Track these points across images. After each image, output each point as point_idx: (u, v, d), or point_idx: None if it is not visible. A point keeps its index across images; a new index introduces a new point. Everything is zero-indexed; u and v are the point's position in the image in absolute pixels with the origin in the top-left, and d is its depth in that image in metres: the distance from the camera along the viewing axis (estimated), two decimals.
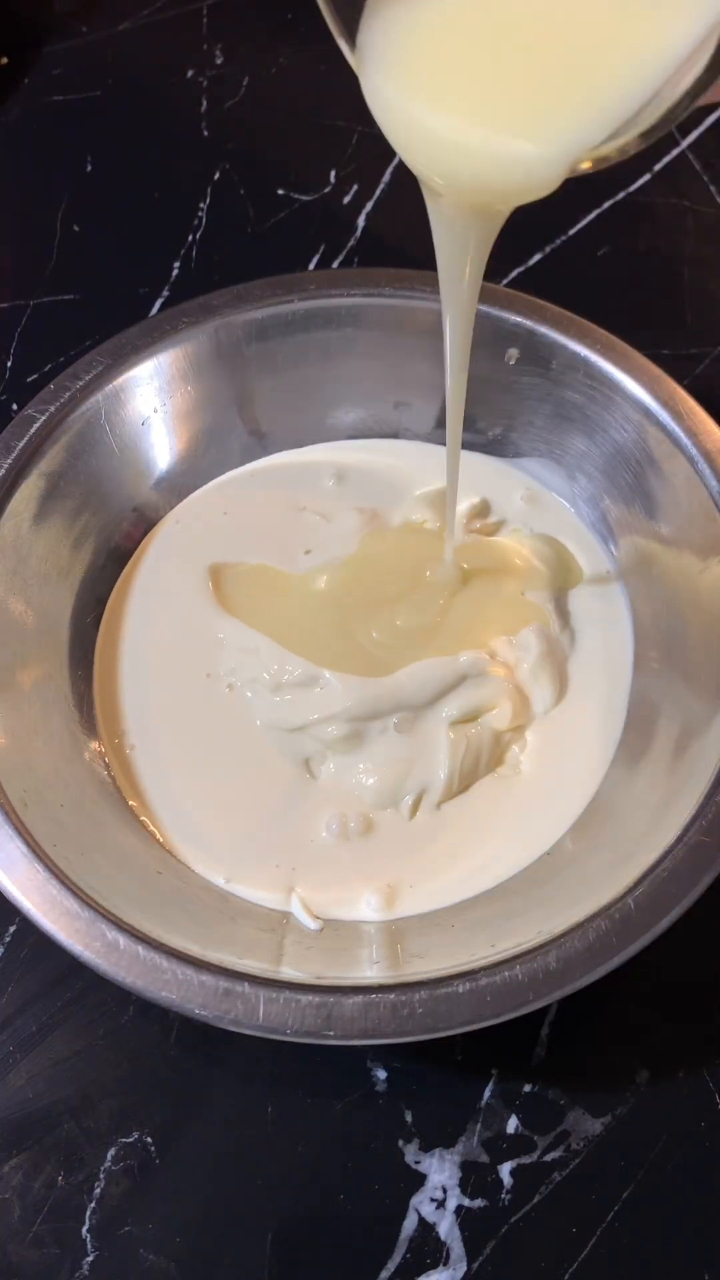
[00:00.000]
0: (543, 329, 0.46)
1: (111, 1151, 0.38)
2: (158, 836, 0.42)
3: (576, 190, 0.63)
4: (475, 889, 0.41)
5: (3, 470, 0.43)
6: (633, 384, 0.45)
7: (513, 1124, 0.39)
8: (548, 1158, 0.38)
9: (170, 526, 0.50)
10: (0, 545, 0.42)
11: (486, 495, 0.50)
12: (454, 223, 0.32)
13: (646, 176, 0.64)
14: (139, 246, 0.62)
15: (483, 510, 0.50)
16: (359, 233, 0.62)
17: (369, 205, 0.63)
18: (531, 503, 0.50)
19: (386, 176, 0.63)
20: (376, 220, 0.62)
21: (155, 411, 0.48)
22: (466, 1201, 0.37)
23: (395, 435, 0.52)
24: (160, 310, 0.59)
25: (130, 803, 0.43)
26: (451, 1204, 0.37)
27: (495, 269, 0.58)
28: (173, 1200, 0.37)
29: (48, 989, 0.41)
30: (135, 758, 0.44)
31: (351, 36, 0.27)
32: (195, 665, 0.46)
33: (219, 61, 0.69)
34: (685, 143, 0.65)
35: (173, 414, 0.49)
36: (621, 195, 0.63)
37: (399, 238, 0.61)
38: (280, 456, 0.52)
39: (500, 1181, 0.38)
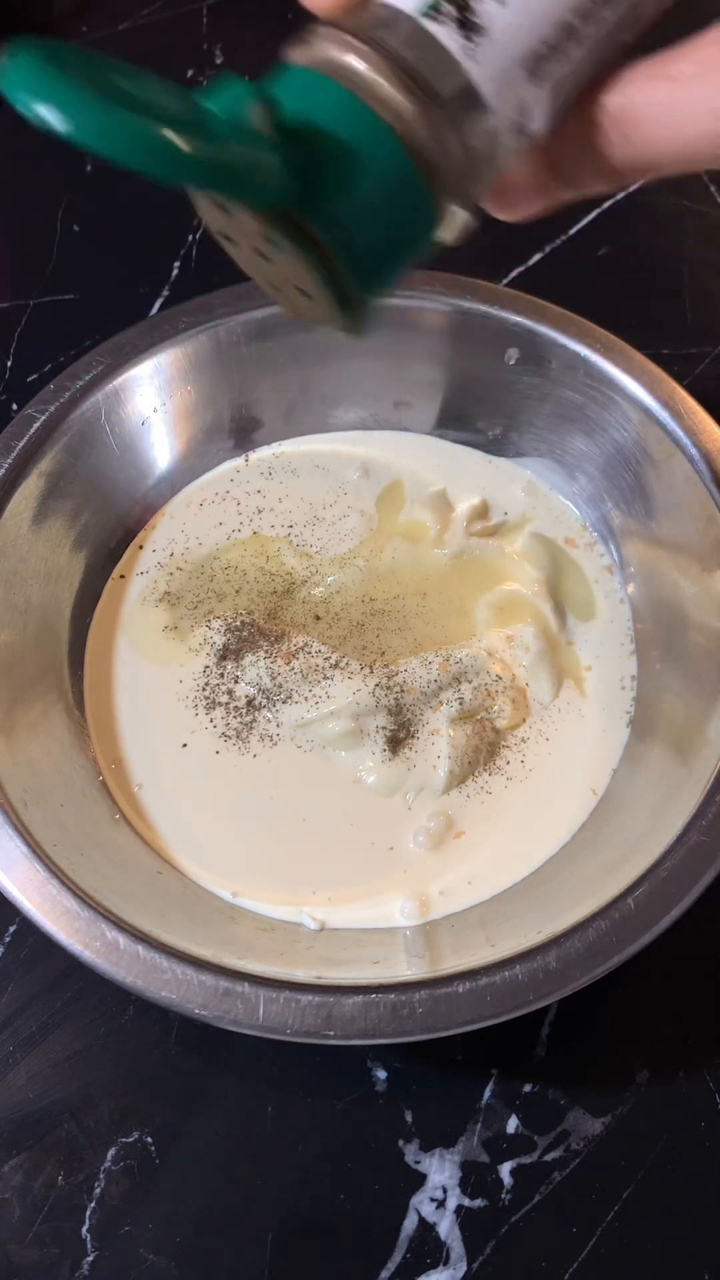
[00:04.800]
0: (543, 329, 0.46)
1: (111, 1151, 0.38)
2: (169, 860, 0.42)
3: None
4: (493, 890, 0.41)
5: (3, 470, 0.43)
6: (633, 384, 0.45)
7: (513, 1124, 0.39)
8: (548, 1158, 0.38)
9: (166, 521, 0.50)
10: (0, 545, 0.42)
11: (486, 495, 0.50)
12: None
13: None
14: (139, 246, 0.62)
15: (482, 511, 0.50)
16: None
17: None
18: (531, 502, 0.50)
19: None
20: None
21: (155, 411, 0.48)
22: (466, 1201, 0.37)
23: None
24: (160, 310, 0.59)
25: (141, 832, 0.42)
26: (451, 1204, 0.37)
27: (495, 269, 0.59)
28: (173, 1200, 0.37)
29: (48, 989, 0.41)
30: (143, 795, 0.43)
31: None
32: (194, 676, 0.46)
33: (219, 61, 0.69)
34: None
35: (173, 414, 0.49)
36: (621, 195, 0.63)
37: None
38: (273, 448, 0.52)
39: (500, 1181, 0.38)
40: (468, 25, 0.23)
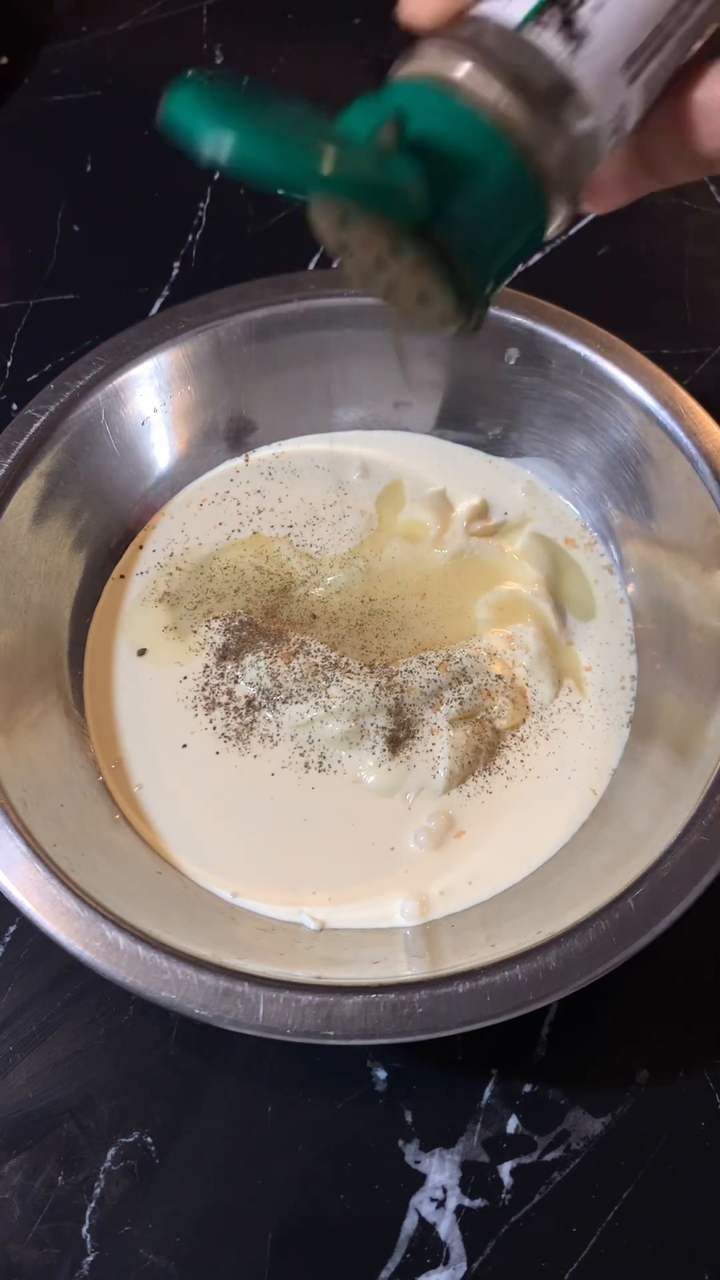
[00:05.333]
0: (543, 329, 0.46)
1: (111, 1151, 0.38)
2: (169, 860, 0.42)
3: None
4: (493, 889, 0.41)
5: (3, 470, 0.43)
6: (633, 384, 0.45)
7: (513, 1124, 0.39)
8: (548, 1158, 0.38)
9: (165, 522, 0.50)
10: (0, 545, 0.42)
11: (486, 495, 0.50)
12: None
13: None
14: (139, 246, 0.62)
15: (482, 511, 0.50)
16: None
17: None
18: (531, 503, 0.50)
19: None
20: None
21: (155, 411, 0.48)
22: (466, 1201, 0.37)
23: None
24: (160, 310, 0.59)
25: (141, 832, 0.42)
26: (451, 1204, 0.37)
27: None
28: (173, 1200, 0.37)
29: (48, 989, 0.41)
30: (143, 795, 0.43)
31: None
32: (194, 676, 0.46)
33: (219, 61, 0.69)
34: None
35: (173, 414, 0.49)
36: None
37: None
38: (273, 448, 0.52)
39: (500, 1181, 0.38)
40: (570, 31, 0.24)
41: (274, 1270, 0.36)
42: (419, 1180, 0.38)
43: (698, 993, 0.41)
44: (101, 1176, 0.38)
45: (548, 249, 0.60)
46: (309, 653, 0.44)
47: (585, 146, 0.25)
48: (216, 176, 0.64)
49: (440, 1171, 0.38)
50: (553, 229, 0.26)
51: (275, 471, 0.51)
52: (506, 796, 0.43)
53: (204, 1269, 0.36)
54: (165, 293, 0.60)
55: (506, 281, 0.26)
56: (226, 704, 0.45)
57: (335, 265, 0.60)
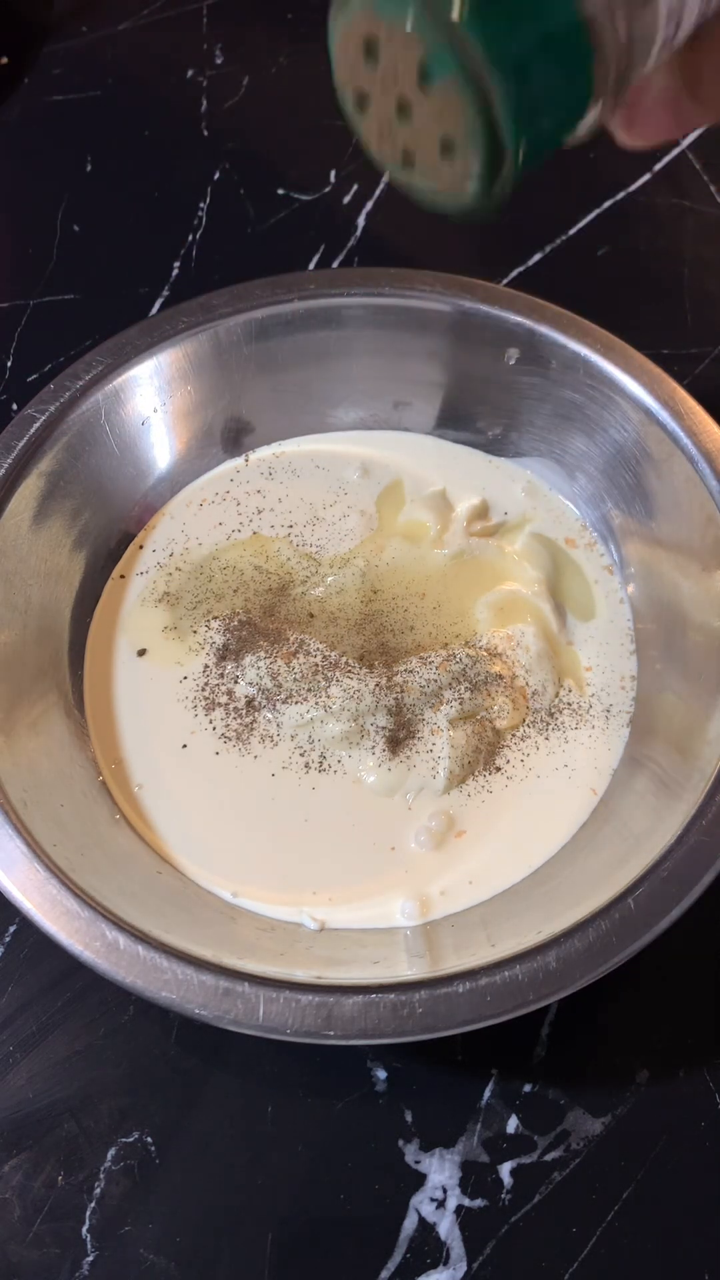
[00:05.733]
0: (543, 329, 0.46)
1: (111, 1151, 0.38)
2: (169, 860, 0.42)
3: (576, 190, 0.63)
4: (493, 889, 0.41)
5: (3, 470, 0.43)
6: (633, 384, 0.45)
7: (513, 1124, 0.39)
8: (548, 1158, 0.38)
9: (165, 521, 0.50)
10: (0, 545, 0.42)
11: (486, 495, 0.50)
12: None
13: (646, 176, 0.64)
14: (139, 246, 0.62)
15: (482, 511, 0.50)
16: (359, 233, 0.62)
17: (369, 205, 0.62)
18: (531, 503, 0.50)
19: (386, 176, 0.63)
20: (376, 220, 0.62)
21: (155, 411, 0.48)
22: (466, 1201, 0.37)
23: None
24: (160, 310, 0.59)
25: (141, 832, 0.42)
26: (451, 1204, 0.37)
27: (495, 269, 0.59)
28: (173, 1200, 0.37)
29: (48, 989, 0.41)
30: (143, 795, 0.43)
31: None
32: (194, 677, 0.46)
33: (219, 61, 0.69)
34: (685, 143, 0.65)
35: (173, 414, 0.49)
36: (621, 195, 0.63)
37: (399, 238, 0.61)
38: (273, 448, 0.52)
39: (500, 1181, 0.38)
40: None
41: (274, 1270, 0.36)
42: (419, 1180, 0.38)
43: (698, 993, 0.41)
44: (101, 1176, 0.38)
45: (547, 249, 0.60)
46: (309, 653, 0.44)
47: (640, 33, 0.24)
48: (217, 176, 0.64)
49: (440, 1171, 0.38)
50: (589, 118, 0.25)
51: (275, 471, 0.51)
52: (507, 796, 0.43)
53: (204, 1269, 0.36)
54: (165, 293, 0.60)
55: (533, 165, 0.25)
56: (226, 704, 0.45)
57: (335, 264, 0.60)
